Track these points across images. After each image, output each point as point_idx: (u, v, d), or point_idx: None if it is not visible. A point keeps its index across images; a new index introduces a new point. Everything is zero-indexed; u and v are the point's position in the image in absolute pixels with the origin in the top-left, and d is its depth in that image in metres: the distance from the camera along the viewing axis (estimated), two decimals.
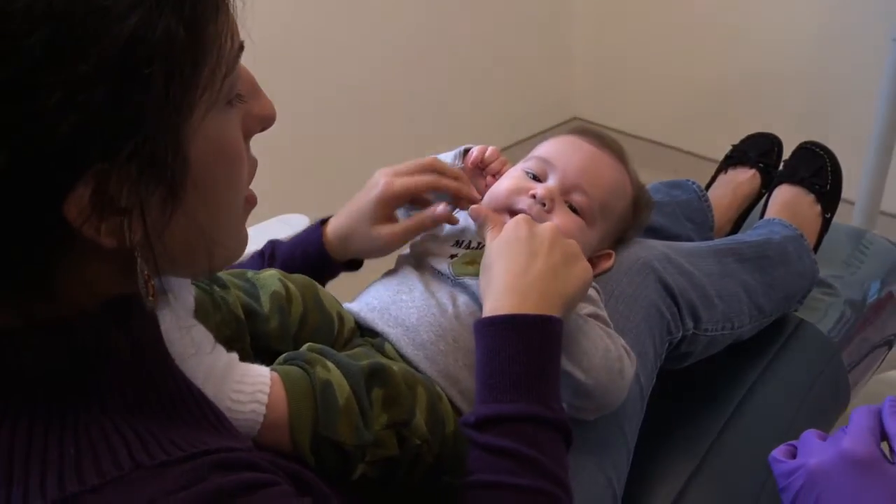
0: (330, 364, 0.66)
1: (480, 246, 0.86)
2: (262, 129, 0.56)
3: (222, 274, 0.75)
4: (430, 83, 2.35)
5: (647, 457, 0.90)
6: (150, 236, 0.46)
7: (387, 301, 0.82)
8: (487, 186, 0.92)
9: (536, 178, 0.89)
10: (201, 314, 0.68)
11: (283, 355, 0.68)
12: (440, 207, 0.86)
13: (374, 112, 2.24)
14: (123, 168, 0.43)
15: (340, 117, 2.18)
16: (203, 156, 0.47)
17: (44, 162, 0.41)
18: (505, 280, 0.71)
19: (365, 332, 0.81)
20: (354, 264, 0.92)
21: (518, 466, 0.64)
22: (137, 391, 0.49)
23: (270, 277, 0.76)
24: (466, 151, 0.95)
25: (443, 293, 0.81)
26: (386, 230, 0.87)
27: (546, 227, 0.76)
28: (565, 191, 0.87)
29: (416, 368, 0.76)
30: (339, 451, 0.63)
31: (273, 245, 0.92)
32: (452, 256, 0.85)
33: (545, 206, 0.85)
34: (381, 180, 0.87)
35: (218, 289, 0.72)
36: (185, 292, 0.62)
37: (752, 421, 1.01)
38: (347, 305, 0.84)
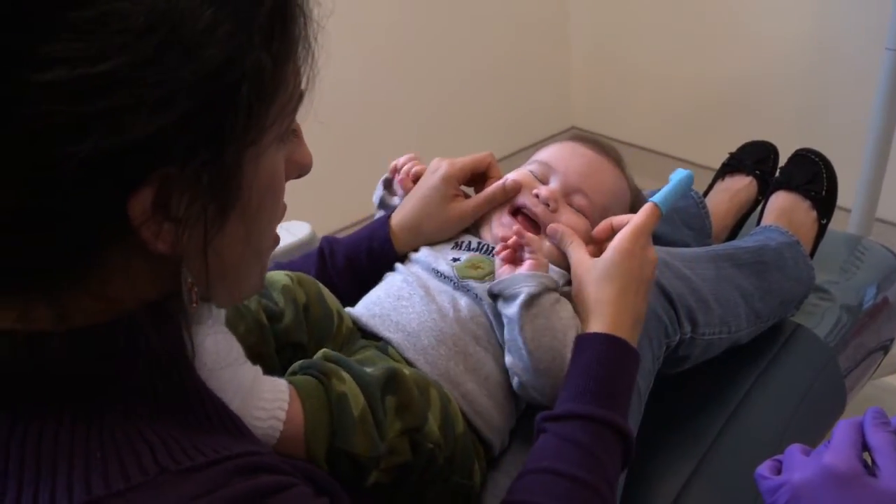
0: (345, 375, 0.67)
1: (480, 247, 0.88)
2: (298, 177, 0.59)
3: None
4: (430, 93, 2.37)
5: (645, 458, 0.91)
6: (206, 246, 0.48)
7: (388, 307, 0.83)
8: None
9: (541, 181, 0.92)
10: (230, 322, 0.70)
11: (299, 363, 0.69)
12: (510, 180, 0.90)
13: (374, 121, 2.26)
14: (191, 177, 0.45)
15: (341, 127, 2.19)
16: (256, 183, 0.50)
17: (127, 153, 0.42)
18: (626, 310, 0.79)
19: (367, 335, 0.83)
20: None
21: (590, 464, 0.69)
22: (162, 396, 0.50)
23: (276, 274, 0.78)
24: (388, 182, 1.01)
25: (444, 297, 0.83)
26: (457, 207, 0.91)
27: (653, 263, 0.82)
28: (567, 193, 0.91)
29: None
30: (354, 462, 0.64)
31: (330, 242, 0.94)
32: (455, 260, 0.87)
33: (549, 206, 0.88)
34: (442, 163, 0.93)
35: None
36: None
37: (749, 424, 1.02)
38: (350, 309, 0.85)
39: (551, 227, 0.87)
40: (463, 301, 0.82)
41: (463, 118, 2.49)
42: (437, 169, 0.92)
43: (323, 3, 0.53)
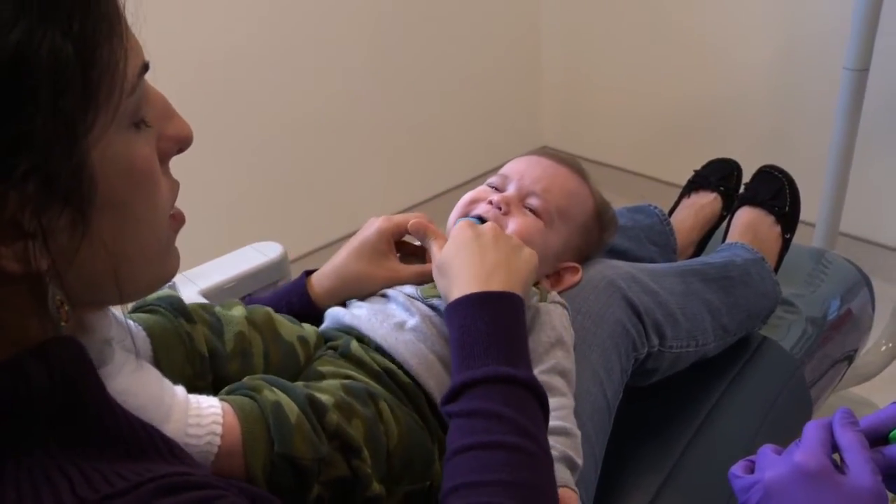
0: (275, 388, 0.66)
1: None
2: (180, 151, 0.55)
3: (191, 306, 0.75)
4: (402, 113, 2.39)
5: (615, 470, 0.92)
6: (57, 261, 0.45)
7: (376, 307, 0.85)
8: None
9: (498, 191, 0.95)
10: (164, 348, 0.69)
11: (226, 388, 0.67)
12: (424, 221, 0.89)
13: (346, 142, 2.27)
14: (21, 188, 0.42)
15: (313, 148, 2.20)
16: (111, 176, 0.47)
17: None
18: (466, 272, 0.77)
19: (329, 340, 0.84)
20: None
21: (491, 424, 0.66)
22: (81, 431, 0.48)
23: (237, 316, 0.77)
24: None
25: (420, 305, 0.85)
26: (388, 266, 0.90)
27: (487, 226, 0.84)
28: (522, 197, 0.94)
29: (392, 359, 0.79)
30: (296, 470, 0.63)
31: (252, 300, 0.92)
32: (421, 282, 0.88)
33: (501, 209, 0.90)
34: (378, 219, 0.91)
35: (185, 322, 0.72)
36: (120, 334, 0.61)
37: (717, 435, 1.03)
38: (334, 310, 0.87)
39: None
40: (432, 314, 0.84)
41: (435, 138, 2.51)
42: (373, 223, 0.91)
43: None
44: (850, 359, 1.33)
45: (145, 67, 0.49)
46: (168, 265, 0.56)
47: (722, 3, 2.22)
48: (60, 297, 0.47)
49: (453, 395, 0.69)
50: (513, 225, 0.91)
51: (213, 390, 0.69)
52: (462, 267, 0.78)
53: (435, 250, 0.84)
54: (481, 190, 0.97)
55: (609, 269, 0.97)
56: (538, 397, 0.70)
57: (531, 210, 0.93)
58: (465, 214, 0.94)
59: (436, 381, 0.79)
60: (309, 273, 0.93)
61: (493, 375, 0.69)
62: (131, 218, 0.50)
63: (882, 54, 1.66)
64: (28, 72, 0.41)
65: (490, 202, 0.92)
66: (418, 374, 0.79)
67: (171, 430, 0.57)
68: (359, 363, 0.79)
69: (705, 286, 1.06)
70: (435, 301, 0.85)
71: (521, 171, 0.97)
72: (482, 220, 0.92)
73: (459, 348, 0.72)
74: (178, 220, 0.56)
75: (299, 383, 0.70)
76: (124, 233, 0.49)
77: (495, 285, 0.75)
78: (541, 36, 2.68)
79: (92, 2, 0.44)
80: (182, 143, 0.55)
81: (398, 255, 0.93)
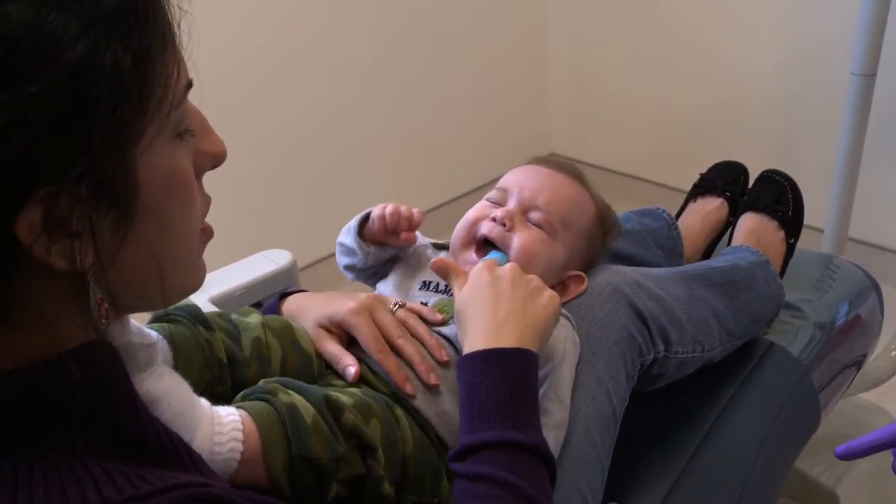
0: (290, 390, 0.68)
1: (448, 289, 0.89)
2: (214, 167, 0.58)
3: (208, 314, 0.77)
4: (409, 122, 2.40)
5: (622, 476, 0.92)
6: (102, 259, 0.47)
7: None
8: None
9: (499, 205, 0.95)
10: (185, 356, 0.70)
11: (241, 393, 0.69)
12: (353, 370, 0.79)
13: (354, 150, 2.28)
14: (73, 190, 0.44)
15: (322, 156, 2.21)
16: (153, 183, 0.49)
17: None
18: (479, 323, 0.75)
19: None
20: None
21: (495, 491, 0.66)
22: (109, 434, 0.49)
23: (253, 322, 0.78)
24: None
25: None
26: (317, 338, 0.82)
27: (506, 269, 0.81)
28: (524, 210, 0.94)
29: (397, 390, 0.79)
30: (315, 470, 0.65)
31: None
32: (423, 304, 0.89)
33: (505, 226, 0.90)
34: (365, 303, 0.83)
35: (203, 330, 0.74)
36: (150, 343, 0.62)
37: (725, 441, 1.03)
38: None
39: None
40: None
41: (442, 147, 2.52)
42: (357, 302, 0.83)
43: None
44: (859, 364, 1.32)
45: (190, 84, 0.52)
46: (196, 276, 0.58)
47: (728, 10, 2.22)
48: (101, 296, 0.49)
49: (460, 454, 0.69)
50: (518, 241, 0.91)
51: (232, 394, 0.71)
52: (474, 318, 0.76)
53: (456, 291, 0.81)
54: (481, 207, 0.96)
55: (614, 275, 0.97)
56: (546, 463, 0.70)
57: (534, 223, 0.93)
58: (472, 235, 0.93)
59: (435, 411, 0.79)
60: (285, 295, 0.91)
61: (500, 441, 0.68)
62: (167, 226, 0.52)
63: (889, 59, 1.66)
64: (91, 82, 0.43)
65: (494, 219, 0.92)
66: (418, 406, 0.79)
67: (200, 438, 0.59)
68: (372, 386, 0.79)
69: (710, 291, 1.06)
70: (444, 330, 0.85)
71: (519, 182, 0.97)
72: (494, 245, 0.91)
73: (468, 406, 0.71)
74: (207, 233, 0.59)
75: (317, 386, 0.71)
76: (160, 239, 0.51)
77: (506, 339, 0.73)
78: (547, 44, 2.69)
79: (150, 17, 0.47)
80: (217, 159, 0.58)
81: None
